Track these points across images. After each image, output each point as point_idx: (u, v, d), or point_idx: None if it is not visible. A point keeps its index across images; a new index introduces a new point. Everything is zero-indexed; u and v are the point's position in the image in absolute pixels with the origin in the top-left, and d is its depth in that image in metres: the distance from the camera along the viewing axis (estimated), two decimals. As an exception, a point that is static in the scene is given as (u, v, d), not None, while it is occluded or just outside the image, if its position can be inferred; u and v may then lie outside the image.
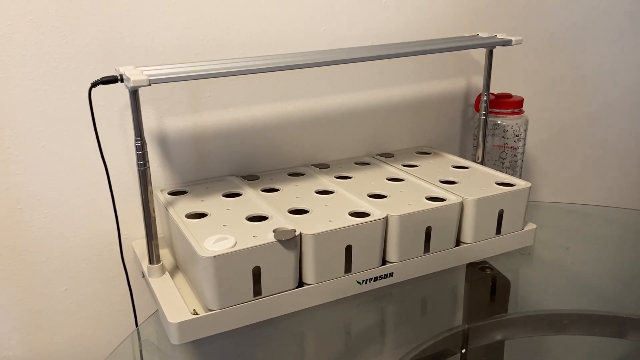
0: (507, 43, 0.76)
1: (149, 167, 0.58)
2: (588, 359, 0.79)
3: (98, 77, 0.55)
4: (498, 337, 0.70)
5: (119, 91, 0.67)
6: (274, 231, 0.57)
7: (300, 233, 0.57)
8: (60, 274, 0.70)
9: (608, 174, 1.19)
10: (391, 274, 0.65)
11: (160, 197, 0.68)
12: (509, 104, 0.87)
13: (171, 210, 0.64)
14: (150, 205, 0.59)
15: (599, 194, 1.19)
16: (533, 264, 0.79)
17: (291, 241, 0.56)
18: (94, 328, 0.75)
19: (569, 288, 0.76)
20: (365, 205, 0.65)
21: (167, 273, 0.63)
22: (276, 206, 0.65)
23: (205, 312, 0.55)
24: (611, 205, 1.02)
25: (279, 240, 0.56)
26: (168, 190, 0.71)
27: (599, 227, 0.91)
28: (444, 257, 0.68)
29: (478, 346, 0.70)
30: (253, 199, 0.68)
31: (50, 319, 0.72)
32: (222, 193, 0.70)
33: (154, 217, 0.60)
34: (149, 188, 0.59)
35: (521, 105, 0.88)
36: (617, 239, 0.88)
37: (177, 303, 0.57)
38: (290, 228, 0.57)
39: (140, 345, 0.64)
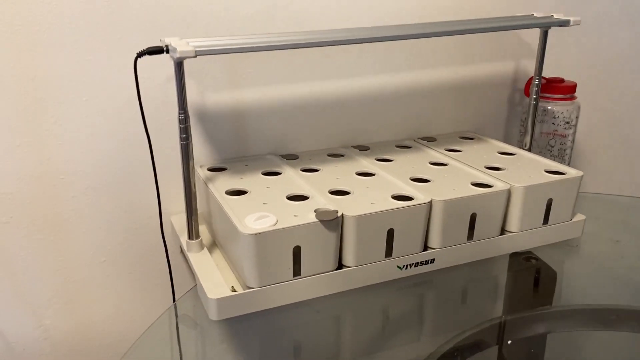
0: (564, 24, 0.72)
1: (191, 142, 0.58)
2: (635, 357, 0.76)
3: (142, 48, 0.55)
4: (540, 330, 0.68)
5: (163, 63, 0.66)
6: (315, 211, 0.55)
7: (342, 214, 0.56)
8: (99, 246, 0.71)
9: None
10: (432, 261, 0.63)
11: (200, 172, 0.68)
12: (561, 89, 0.83)
13: (211, 186, 0.63)
14: (191, 180, 0.59)
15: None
16: (580, 257, 0.76)
17: (333, 222, 0.55)
18: (131, 301, 0.76)
19: (617, 283, 0.73)
20: (408, 188, 0.63)
21: (205, 249, 0.63)
22: (316, 186, 0.63)
23: (244, 290, 0.55)
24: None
25: (320, 221, 0.54)
26: (207, 167, 0.70)
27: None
28: (487, 246, 0.66)
29: (518, 339, 0.68)
30: (293, 178, 0.66)
31: (88, 291, 0.73)
32: (261, 171, 0.69)
33: (195, 192, 0.59)
34: (191, 163, 0.58)
35: (574, 91, 0.84)
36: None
37: (216, 279, 0.56)
38: (332, 209, 0.56)
39: (177, 320, 0.64)
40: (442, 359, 0.63)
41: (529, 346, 0.68)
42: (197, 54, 0.52)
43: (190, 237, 0.62)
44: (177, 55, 0.51)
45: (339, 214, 0.55)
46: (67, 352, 0.74)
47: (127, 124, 0.67)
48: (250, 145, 0.75)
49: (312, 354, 0.66)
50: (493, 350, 0.68)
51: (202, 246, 0.62)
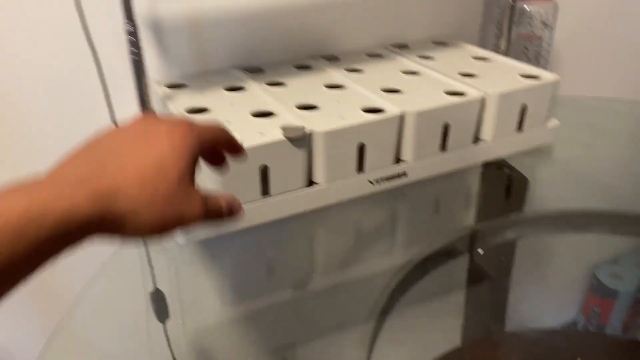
0: None
1: (143, 57, 0.53)
2: (606, 258, 0.79)
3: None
4: (511, 236, 0.69)
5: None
6: (282, 128, 0.53)
7: (310, 130, 0.53)
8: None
9: (634, 65, 1.12)
10: (405, 174, 0.62)
11: (157, 90, 0.63)
12: (539, -13, 0.78)
13: (170, 105, 0.59)
14: (146, 98, 0.55)
15: (628, 88, 1.12)
16: (552, 163, 0.76)
17: (301, 139, 0.52)
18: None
19: (588, 187, 0.73)
20: (379, 100, 0.60)
21: (169, 172, 0.60)
22: (283, 101, 0.60)
23: (212, 213, 0.53)
24: (636, 100, 0.96)
25: (287, 138, 0.52)
26: (166, 83, 0.65)
27: (624, 123, 0.86)
28: (461, 156, 0.64)
29: (490, 246, 0.69)
30: (258, 94, 0.63)
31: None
32: (224, 86, 0.64)
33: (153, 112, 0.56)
34: (144, 80, 0.54)
35: (552, -11, 0.79)
36: (641, 136, 0.84)
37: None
38: (300, 125, 0.53)
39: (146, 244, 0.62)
40: (415, 269, 0.63)
41: (500, 253, 0.70)
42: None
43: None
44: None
45: (307, 131, 0.53)
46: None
47: (69, 37, 0.61)
48: (211, 59, 0.70)
49: (286, 271, 0.66)
50: (465, 258, 0.69)
51: (165, 169, 0.59)
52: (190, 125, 0.32)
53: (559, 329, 0.85)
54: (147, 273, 0.64)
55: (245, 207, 0.53)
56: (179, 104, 0.59)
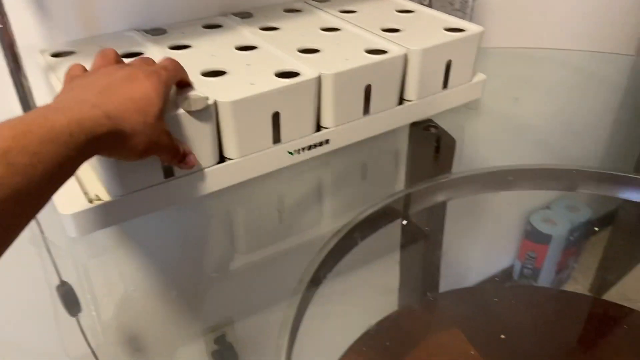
0: None
1: (8, 20, 0.45)
2: (539, 205, 0.78)
3: None
4: (441, 198, 0.67)
5: None
6: (182, 100, 0.46)
7: (215, 101, 0.47)
8: None
9: (563, 13, 1.11)
10: (327, 141, 0.57)
11: (40, 59, 0.55)
12: None
13: (53, 77, 0.51)
14: (20, 71, 0.47)
15: (557, 38, 1.11)
16: (481, 119, 0.74)
17: (204, 112, 0.46)
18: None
19: (517, 142, 0.72)
20: (294, 62, 0.55)
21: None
22: (187, 67, 0.53)
23: (109, 199, 0.47)
24: (564, 48, 0.96)
25: (187, 112, 0.46)
26: (50, 52, 0.57)
27: (550, 73, 0.85)
28: (385, 118, 0.61)
29: (420, 210, 0.67)
30: (158, 59, 0.55)
31: None
32: (120, 52, 0.57)
33: (28, 87, 0.48)
34: (15, 48, 0.46)
35: None
36: (570, 85, 0.83)
37: (72, 189, 0.47)
38: (203, 95, 0.47)
39: (42, 232, 0.56)
40: (345, 238, 0.60)
41: (430, 216, 0.68)
42: None
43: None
44: None
45: (211, 102, 0.47)
46: None
47: None
48: (103, 21, 0.61)
49: (208, 252, 0.61)
50: (396, 225, 0.67)
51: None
52: (162, 71, 0.42)
53: (490, 285, 0.86)
54: (50, 268, 0.57)
55: (144, 192, 0.47)
56: (63, 75, 0.52)
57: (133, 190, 0.46)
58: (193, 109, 0.45)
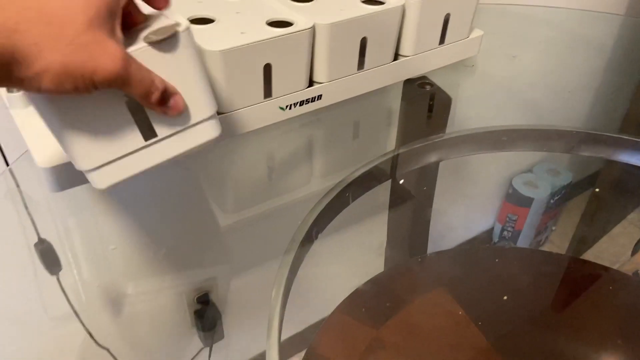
0: None
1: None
2: (522, 169, 0.77)
3: None
4: (433, 159, 0.66)
5: None
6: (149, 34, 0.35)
7: (202, 48, 0.44)
8: None
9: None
10: (320, 97, 0.55)
11: None
12: None
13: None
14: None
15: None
16: (476, 78, 0.72)
17: (170, 40, 0.35)
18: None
19: (511, 102, 0.71)
20: (287, 11, 0.51)
21: (35, 105, 0.49)
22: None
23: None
24: (556, 6, 0.93)
25: (149, 44, 0.34)
26: None
27: (551, 32, 0.82)
28: (380, 74, 0.58)
29: (412, 170, 0.65)
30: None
31: None
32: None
33: None
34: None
35: None
36: (569, 45, 0.81)
37: (51, 140, 0.44)
38: (171, 22, 0.36)
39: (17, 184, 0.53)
40: (336, 198, 0.59)
41: (421, 176, 0.66)
42: None
43: (10, 90, 0.47)
44: None
45: (181, 28, 0.36)
46: None
47: None
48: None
49: (192, 214, 0.59)
50: (387, 185, 0.66)
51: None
52: None
53: (477, 246, 0.86)
54: (28, 224, 0.55)
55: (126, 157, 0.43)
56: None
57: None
58: (155, 39, 0.35)
